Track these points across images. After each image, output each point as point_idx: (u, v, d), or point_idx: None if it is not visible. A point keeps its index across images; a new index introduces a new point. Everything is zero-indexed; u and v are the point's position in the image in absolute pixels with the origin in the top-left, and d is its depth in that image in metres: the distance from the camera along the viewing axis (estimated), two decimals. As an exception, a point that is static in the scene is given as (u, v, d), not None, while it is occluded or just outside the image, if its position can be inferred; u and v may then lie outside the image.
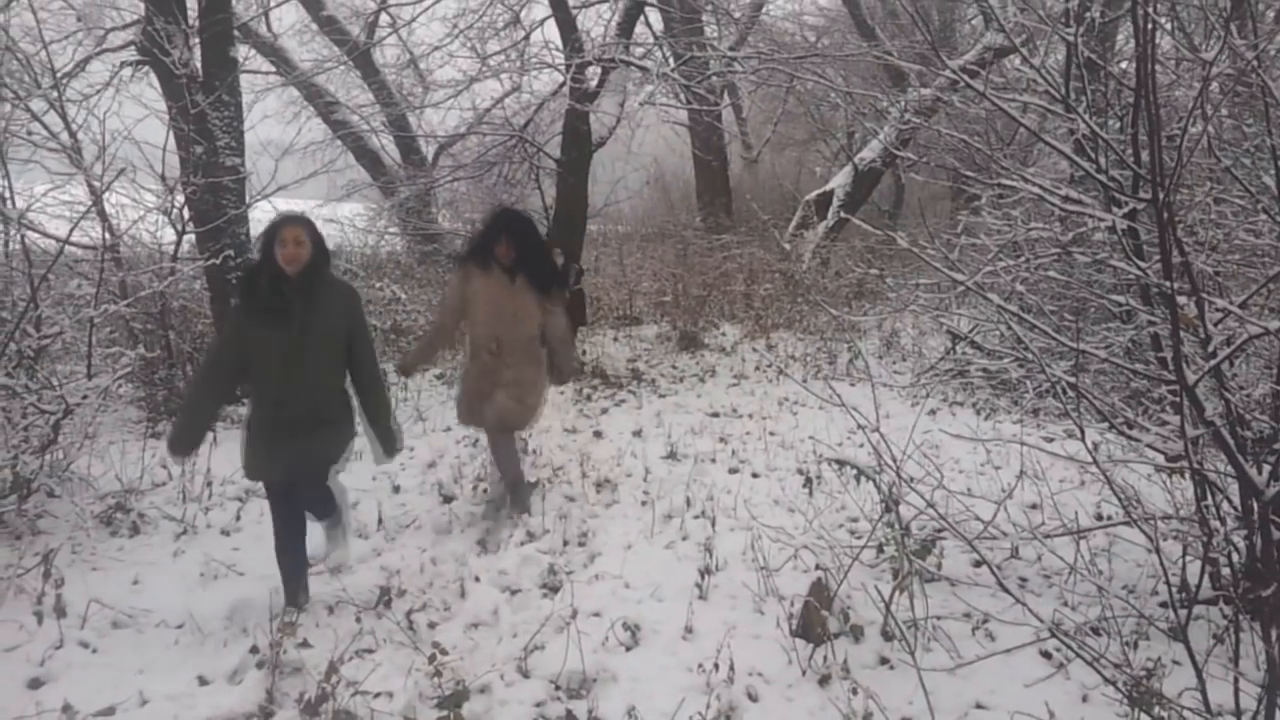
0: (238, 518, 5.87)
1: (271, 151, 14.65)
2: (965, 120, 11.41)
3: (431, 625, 4.45)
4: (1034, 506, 5.47)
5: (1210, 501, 3.91)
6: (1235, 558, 3.56)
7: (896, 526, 4.34)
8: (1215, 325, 2.69)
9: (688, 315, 12.18)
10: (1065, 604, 4.48)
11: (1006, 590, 3.07)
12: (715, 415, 8.60)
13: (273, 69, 15.69)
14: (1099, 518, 5.45)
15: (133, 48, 9.77)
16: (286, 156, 15.36)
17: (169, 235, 8.68)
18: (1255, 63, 3.21)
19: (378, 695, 3.77)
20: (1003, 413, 8.20)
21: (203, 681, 3.91)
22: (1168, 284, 2.36)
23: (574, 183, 10.96)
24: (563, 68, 10.72)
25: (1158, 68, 3.64)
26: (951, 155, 10.85)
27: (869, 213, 17.63)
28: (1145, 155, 3.82)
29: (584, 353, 11.06)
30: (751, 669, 3.96)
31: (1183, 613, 4.26)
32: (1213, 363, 2.51)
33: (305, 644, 4.13)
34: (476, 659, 4.14)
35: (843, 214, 14.25)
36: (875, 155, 14.91)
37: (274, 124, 17.11)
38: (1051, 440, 6.75)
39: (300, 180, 11.25)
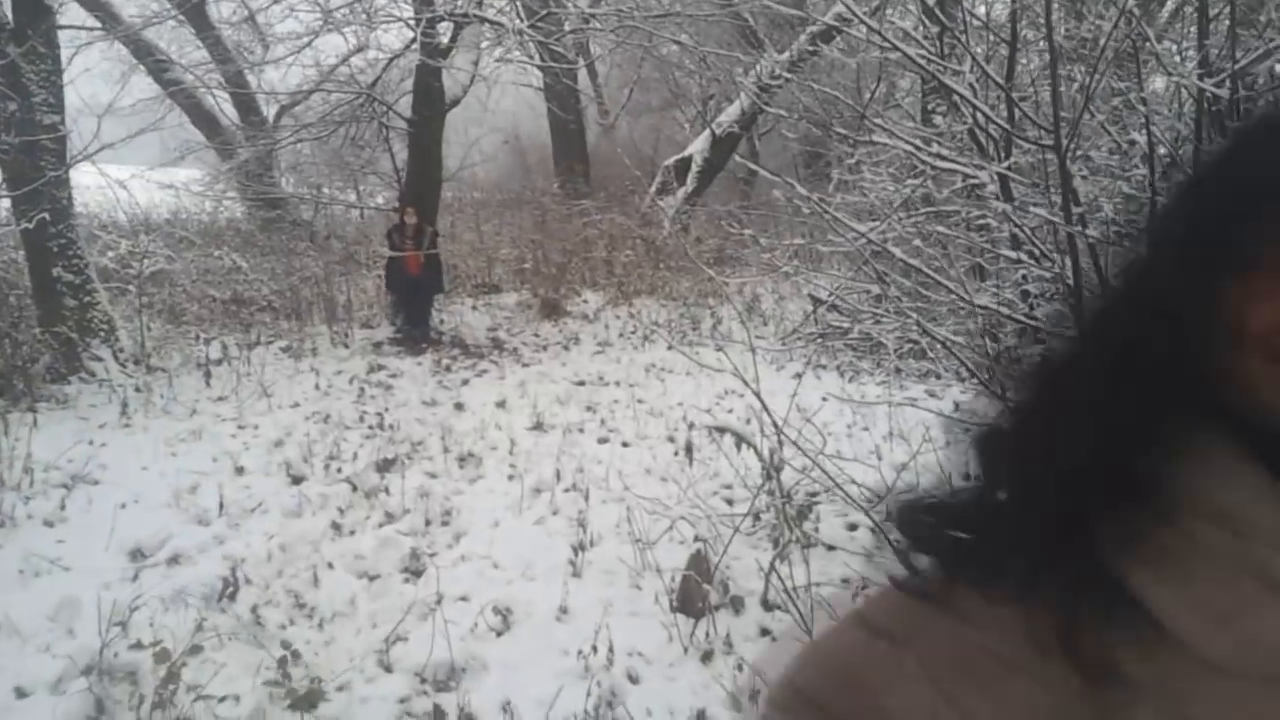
0: (63, 507, 5.28)
1: (95, 109, 13.48)
2: (820, 85, 11.42)
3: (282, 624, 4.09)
4: (904, 467, 5.47)
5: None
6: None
7: (778, 493, 4.22)
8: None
9: (548, 282, 11.88)
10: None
11: (900, 557, 2.94)
12: (581, 384, 8.37)
13: (97, 24, 14.42)
14: (967, 478, 5.50)
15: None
16: (112, 116, 14.20)
17: (-20, 199, 7.89)
18: (1134, 14, 3.16)
19: (223, 699, 3.42)
20: (866, 375, 8.27)
21: (20, 694, 3.47)
22: (1071, 228, 2.26)
23: (427, 144, 10.48)
24: (412, 22, 10.18)
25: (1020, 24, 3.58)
26: (809, 118, 10.86)
27: (726, 179, 17.65)
28: (1013, 111, 3.78)
29: (441, 322, 10.63)
30: (631, 649, 3.77)
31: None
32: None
33: (139, 645, 3.70)
34: (333, 654, 3.81)
35: (718, 164, 14.18)
36: (732, 120, 14.89)
37: (99, 82, 15.78)
38: (915, 401, 6.82)
39: (126, 140, 10.40)
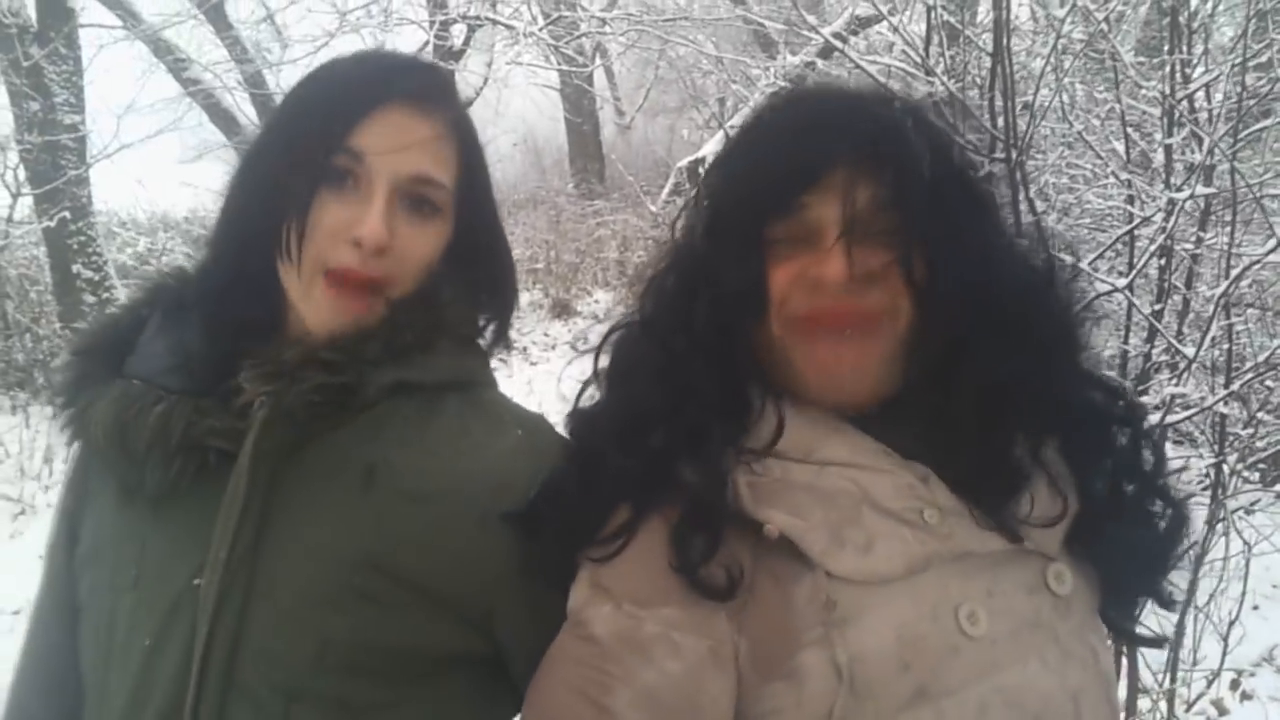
0: (75, 498, 5.44)
1: (115, 109, 13.65)
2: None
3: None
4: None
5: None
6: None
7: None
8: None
9: (560, 282, 12.01)
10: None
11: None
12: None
13: (117, 22, 14.66)
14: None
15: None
16: (133, 115, 14.41)
17: (2, 198, 8.07)
18: (1105, 27, 3.24)
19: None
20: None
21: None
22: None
23: (439, 145, 10.61)
24: (426, 24, 10.33)
25: (1015, 37, 3.66)
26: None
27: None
28: (1001, 120, 3.85)
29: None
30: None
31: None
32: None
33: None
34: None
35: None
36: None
37: (119, 80, 16.06)
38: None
39: (146, 139, 10.61)
